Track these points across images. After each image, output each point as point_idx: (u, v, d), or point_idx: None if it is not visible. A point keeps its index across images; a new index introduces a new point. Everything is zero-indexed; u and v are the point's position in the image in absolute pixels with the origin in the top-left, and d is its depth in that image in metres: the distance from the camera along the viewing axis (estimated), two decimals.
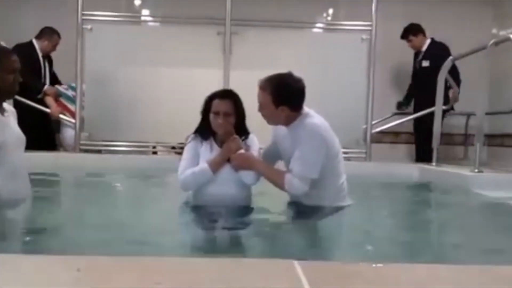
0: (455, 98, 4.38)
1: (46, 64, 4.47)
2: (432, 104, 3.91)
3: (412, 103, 4.87)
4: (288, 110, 2.11)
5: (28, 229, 1.81)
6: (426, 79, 4.42)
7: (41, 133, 4.15)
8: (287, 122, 2.16)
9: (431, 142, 3.80)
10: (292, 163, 2.06)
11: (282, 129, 2.22)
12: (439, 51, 4.45)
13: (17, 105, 4.14)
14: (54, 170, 3.35)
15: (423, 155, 4.32)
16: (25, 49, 4.13)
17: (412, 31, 4.68)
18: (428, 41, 4.69)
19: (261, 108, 2.16)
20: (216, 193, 2.12)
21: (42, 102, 4.24)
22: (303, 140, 2.05)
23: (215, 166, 2.12)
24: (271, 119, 2.18)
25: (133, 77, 4.22)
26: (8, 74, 1.98)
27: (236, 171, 2.12)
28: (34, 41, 4.40)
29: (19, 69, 2.03)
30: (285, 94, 2.10)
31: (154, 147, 4.49)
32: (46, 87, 4.30)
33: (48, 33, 4.41)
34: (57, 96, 4.35)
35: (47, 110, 4.23)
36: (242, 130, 2.23)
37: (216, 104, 2.20)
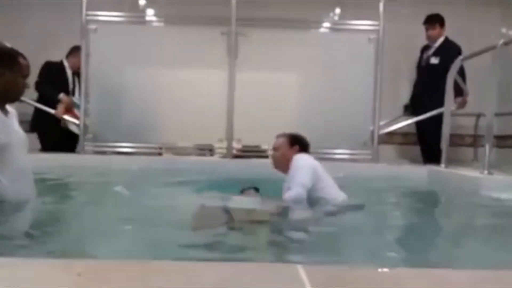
0: (463, 104, 4.29)
1: (76, 81, 4.55)
2: (438, 104, 3.86)
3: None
4: (298, 150, 2.58)
5: (31, 231, 1.80)
6: (433, 77, 4.32)
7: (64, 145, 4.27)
8: (287, 168, 2.51)
9: (438, 143, 3.75)
10: (288, 189, 2.42)
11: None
12: (451, 50, 4.34)
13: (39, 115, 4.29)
14: (59, 171, 3.36)
15: (430, 156, 4.26)
16: (55, 67, 4.43)
17: (439, 21, 4.57)
18: (442, 38, 4.59)
19: (275, 150, 2.66)
20: None
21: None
22: (295, 164, 2.46)
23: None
24: (280, 161, 2.60)
25: (138, 77, 4.23)
26: (21, 78, 2.02)
27: None
28: (64, 61, 4.54)
29: (29, 75, 2.08)
30: (298, 137, 2.68)
31: (160, 148, 4.50)
32: (61, 95, 4.37)
33: (76, 50, 4.46)
34: (72, 106, 4.41)
35: (51, 111, 4.26)
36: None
37: None
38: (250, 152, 4.18)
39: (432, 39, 4.62)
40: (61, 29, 4.55)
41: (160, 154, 4.50)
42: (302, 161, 2.47)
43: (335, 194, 2.46)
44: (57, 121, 4.31)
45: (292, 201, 2.33)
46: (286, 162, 2.53)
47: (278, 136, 2.71)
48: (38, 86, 4.27)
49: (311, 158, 2.55)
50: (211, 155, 4.33)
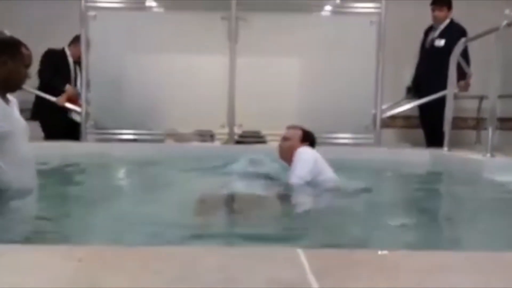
0: (466, 87, 4.24)
1: (78, 70, 4.53)
2: (442, 87, 3.81)
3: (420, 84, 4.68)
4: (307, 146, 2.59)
5: (33, 219, 1.82)
6: (438, 59, 4.22)
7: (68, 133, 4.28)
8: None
9: (441, 126, 3.72)
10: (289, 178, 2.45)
11: None
12: (457, 32, 4.20)
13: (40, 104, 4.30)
14: (61, 159, 3.38)
15: (433, 139, 4.23)
16: (56, 55, 4.39)
17: (448, 3, 4.47)
18: (447, 20, 4.48)
19: (285, 140, 2.63)
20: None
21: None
22: (297, 156, 2.47)
23: None
24: (286, 151, 2.58)
25: (138, 64, 4.21)
26: (23, 67, 2.03)
27: None
28: (66, 49, 4.50)
29: (31, 65, 2.09)
30: (310, 134, 2.69)
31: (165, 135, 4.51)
32: (67, 86, 4.36)
33: (78, 40, 4.40)
34: (77, 97, 4.38)
35: (53, 98, 4.25)
36: None
37: None
38: (249, 138, 4.18)
39: (438, 21, 4.51)
40: (60, 16, 4.51)
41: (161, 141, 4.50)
42: (304, 155, 2.47)
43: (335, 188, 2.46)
44: (59, 109, 4.29)
45: (293, 186, 2.34)
46: (292, 154, 2.53)
47: (290, 127, 2.69)
48: (42, 74, 4.26)
49: (314, 151, 2.54)
50: (212, 141, 4.32)
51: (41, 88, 4.36)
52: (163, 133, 4.38)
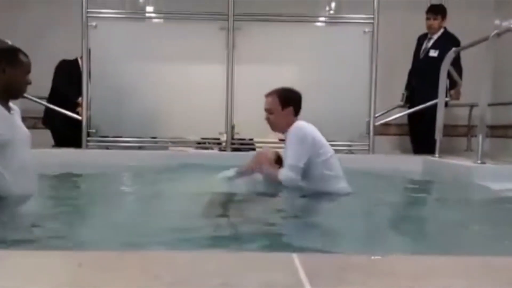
0: (457, 95, 4.30)
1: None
2: (435, 96, 3.87)
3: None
4: (292, 112, 2.42)
5: (33, 225, 1.82)
6: (431, 69, 4.21)
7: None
8: (286, 128, 2.42)
9: (432, 133, 3.78)
10: (284, 161, 2.37)
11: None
12: (451, 43, 4.22)
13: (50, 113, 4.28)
14: (62, 167, 3.38)
15: (421, 147, 4.26)
16: (70, 66, 4.38)
17: (442, 12, 4.51)
18: (442, 30, 4.53)
19: (269, 113, 2.45)
20: None
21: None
22: (289, 140, 2.35)
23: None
24: (277, 124, 2.46)
25: (138, 73, 4.24)
26: (25, 75, 2.04)
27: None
28: (79, 59, 4.45)
29: (30, 72, 2.09)
30: (290, 95, 2.45)
31: (167, 142, 4.53)
32: (80, 98, 4.32)
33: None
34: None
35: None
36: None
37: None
38: (240, 145, 4.23)
39: (432, 30, 4.54)
40: (61, 25, 4.54)
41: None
42: (297, 136, 2.31)
43: (337, 170, 2.37)
44: (69, 119, 4.19)
45: (284, 181, 2.30)
46: (284, 125, 2.38)
47: (267, 95, 2.45)
48: (56, 85, 4.29)
49: (306, 128, 2.36)
50: (210, 148, 4.36)
51: (51, 97, 4.33)
52: (164, 140, 4.42)
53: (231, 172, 2.58)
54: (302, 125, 2.38)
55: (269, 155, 2.47)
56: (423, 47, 4.62)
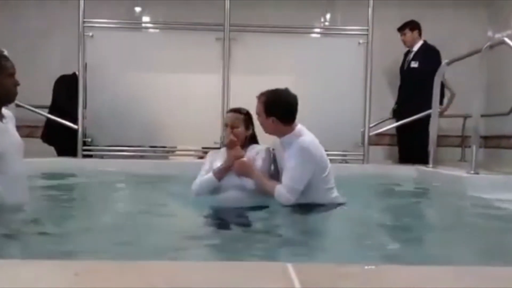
0: (444, 110, 4.35)
1: None
2: (420, 106, 3.94)
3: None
4: (278, 122, 2.30)
5: (26, 234, 1.82)
6: (413, 80, 4.51)
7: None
8: (279, 134, 2.34)
9: (422, 145, 3.83)
10: (284, 176, 2.28)
11: (277, 139, 2.40)
12: (429, 54, 4.50)
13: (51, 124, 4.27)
14: (55, 175, 3.37)
15: (408, 157, 4.35)
16: (70, 80, 4.34)
17: (410, 25, 4.73)
18: (420, 42, 4.73)
19: (258, 116, 2.38)
20: (221, 198, 2.33)
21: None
22: (294, 156, 2.24)
23: (219, 174, 2.35)
24: (264, 127, 2.38)
25: (134, 83, 4.26)
26: (7, 77, 1.97)
27: (238, 176, 2.35)
28: (77, 73, 4.41)
29: (15, 73, 2.02)
30: (274, 105, 2.30)
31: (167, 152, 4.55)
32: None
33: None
34: None
35: (58, 119, 4.20)
36: (251, 141, 2.48)
37: (226, 117, 2.50)
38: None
39: (406, 44, 4.79)
40: (58, 35, 4.56)
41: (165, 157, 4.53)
42: (303, 157, 2.20)
43: (332, 182, 2.34)
44: (72, 132, 4.17)
45: (278, 199, 2.23)
46: (274, 131, 2.31)
47: (258, 97, 2.35)
48: (56, 100, 4.28)
49: (314, 144, 2.27)
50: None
51: (52, 113, 4.30)
52: (161, 149, 4.43)
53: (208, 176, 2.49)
54: (307, 143, 2.25)
55: (239, 140, 2.37)
56: (406, 59, 4.81)
